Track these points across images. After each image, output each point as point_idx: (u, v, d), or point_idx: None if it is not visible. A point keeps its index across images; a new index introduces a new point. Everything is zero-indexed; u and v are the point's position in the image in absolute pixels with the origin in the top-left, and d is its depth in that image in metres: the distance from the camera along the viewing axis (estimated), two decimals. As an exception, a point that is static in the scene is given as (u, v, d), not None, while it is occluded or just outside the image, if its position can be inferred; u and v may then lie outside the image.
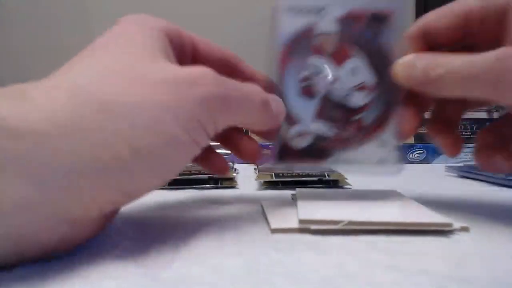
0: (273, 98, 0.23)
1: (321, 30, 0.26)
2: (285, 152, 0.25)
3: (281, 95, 0.25)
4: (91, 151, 0.15)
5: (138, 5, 1.71)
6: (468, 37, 0.25)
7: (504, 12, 0.22)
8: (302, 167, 0.26)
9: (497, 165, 0.25)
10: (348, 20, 0.26)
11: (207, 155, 0.26)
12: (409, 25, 0.26)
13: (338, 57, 0.26)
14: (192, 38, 0.24)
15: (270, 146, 0.25)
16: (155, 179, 0.18)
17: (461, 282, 0.14)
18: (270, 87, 0.25)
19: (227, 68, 0.25)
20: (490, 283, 0.14)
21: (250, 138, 0.26)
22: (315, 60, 0.26)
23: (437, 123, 0.27)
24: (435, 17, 0.25)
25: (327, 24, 0.26)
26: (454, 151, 0.26)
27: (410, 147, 0.61)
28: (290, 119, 0.25)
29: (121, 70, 0.17)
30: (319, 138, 0.25)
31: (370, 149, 0.26)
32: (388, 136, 0.26)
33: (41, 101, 0.15)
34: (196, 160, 0.25)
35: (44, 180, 0.14)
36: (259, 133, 0.27)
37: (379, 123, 0.26)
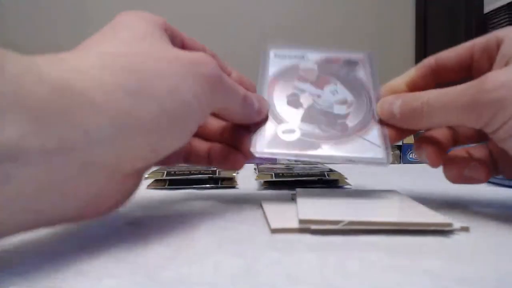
0: (256, 96, 0.26)
1: (304, 67, 0.31)
2: (274, 143, 0.26)
3: (269, 106, 0.28)
4: (129, 109, 0.17)
5: (137, 7, 1.72)
6: (471, 70, 0.26)
7: (500, 43, 0.24)
8: (289, 156, 0.26)
9: (469, 174, 0.26)
10: (326, 62, 0.31)
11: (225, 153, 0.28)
12: (376, 71, 0.31)
13: (320, 83, 0.30)
14: (180, 34, 0.25)
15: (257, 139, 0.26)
16: (175, 137, 0.20)
17: (461, 282, 0.14)
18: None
19: None
20: (491, 283, 0.14)
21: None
22: (299, 84, 0.30)
23: (427, 140, 0.28)
24: (446, 51, 0.27)
25: (309, 64, 0.31)
26: (436, 163, 0.27)
27: (410, 147, 0.61)
28: (279, 120, 0.27)
29: (137, 47, 0.20)
30: (306, 135, 0.27)
31: (357, 144, 0.26)
32: (373, 136, 0.27)
33: (75, 66, 0.17)
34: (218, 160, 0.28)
35: (88, 129, 0.15)
36: (243, 125, 0.28)
37: (364, 125, 0.28)
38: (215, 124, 0.29)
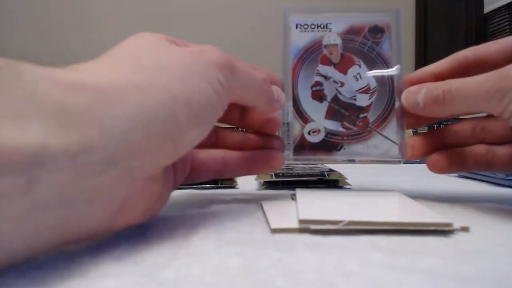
0: (275, 87, 0.27)
1: (327, 42, 0.31)
2: (301, 147, 0.29)
3: (295, 99, 0.30)
4: (141, 101, 0.17)
5: (137, 9, 1.72)
6: None
7: None
8: (316, 159, 0.30)
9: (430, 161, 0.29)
10: (350, 34, 0.31)
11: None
12: (401, 36, 0.31)
13: (343, 66, 0.30)
14: (184, 42, 0.25)
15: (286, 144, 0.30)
16: (194, 127, 0.20)
17: (461, 282, 0.14)
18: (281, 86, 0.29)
19: None
20: (490, 283, 0.14)
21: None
22: (323, 69, 0.30)
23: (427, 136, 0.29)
24: (484, 45, 0.28)
25: (332, 38, 0.31)
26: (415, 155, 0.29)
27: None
28: (304, 118, 0.30)
29: (143, 49, 0.20)
30: (330, 134, 0.29)
31: (375, 142, 0.29)
32: (390, 131, 0.29)
33: (86, 69, 0.18)
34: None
35: (104, 123, 0.16)
36: (263, 115, 0.29)
37: (382, 120, 0.29)
38: (235, 136, 0.29)
